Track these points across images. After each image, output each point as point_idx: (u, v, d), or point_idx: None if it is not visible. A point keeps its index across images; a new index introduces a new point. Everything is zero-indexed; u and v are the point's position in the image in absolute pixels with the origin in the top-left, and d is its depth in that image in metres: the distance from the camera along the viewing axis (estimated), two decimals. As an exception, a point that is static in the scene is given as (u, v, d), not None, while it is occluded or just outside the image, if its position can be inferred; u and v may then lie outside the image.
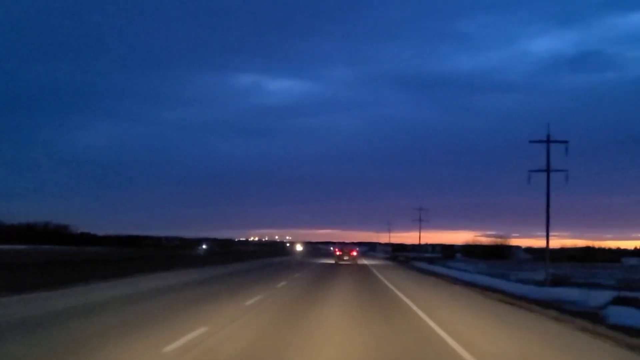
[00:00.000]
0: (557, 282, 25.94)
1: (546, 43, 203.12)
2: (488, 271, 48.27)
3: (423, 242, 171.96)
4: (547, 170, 31.21)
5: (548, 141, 31.46)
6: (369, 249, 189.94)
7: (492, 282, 30.02)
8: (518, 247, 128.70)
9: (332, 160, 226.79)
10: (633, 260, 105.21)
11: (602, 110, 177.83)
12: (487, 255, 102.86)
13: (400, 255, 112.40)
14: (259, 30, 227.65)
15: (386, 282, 32.45)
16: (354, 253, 63.62)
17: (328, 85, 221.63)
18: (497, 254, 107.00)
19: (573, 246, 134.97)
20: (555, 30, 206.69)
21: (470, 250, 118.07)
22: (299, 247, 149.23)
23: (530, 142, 31.80)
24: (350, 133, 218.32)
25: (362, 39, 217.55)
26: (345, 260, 60.00)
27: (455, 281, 33.44)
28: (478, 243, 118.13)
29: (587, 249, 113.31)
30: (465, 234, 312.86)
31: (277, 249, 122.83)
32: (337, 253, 62.93)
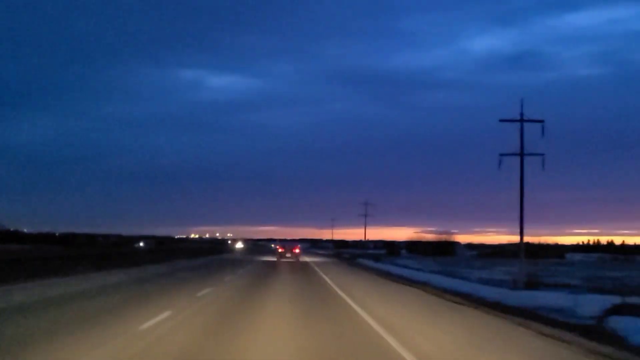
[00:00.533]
0: (531, 284, 22.44)
1: (486, 42, 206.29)
2: (439, 269, 45.23)
3: (364, 238, 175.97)
4: (521, 154, 26.63)
5: (521, 120, 26.77)
6: (311, 245, 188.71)
7: (452, 283, 26.51)
8: (459, 244, 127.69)
9: (275, 156, 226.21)
10: (578, 256, 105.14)
11: (539, 109, 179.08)
12: (432, 252, 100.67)
13: (344, 252, 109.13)
14: (202, 24, 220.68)
15: (332, 284, 28.70)
16: (297, 250, 62.67)
17: (271, 81, 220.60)
18: (442, 250, 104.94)
19: (511, 242, 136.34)
20: (494, 30, 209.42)
21: (414, 247, 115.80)
22: (240, 245, 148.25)
23: (501, 120, 27.25)
24: (294, 129, 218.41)
25: (306, 35, 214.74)
26: (288, 257, 59.06)
27: (408, 282, 29.74)
28: (422, 239, 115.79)
29: (532, 246, 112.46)
30: (406, 231, 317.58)
31: (217, 247, 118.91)
32: (279, 250, 62.00)
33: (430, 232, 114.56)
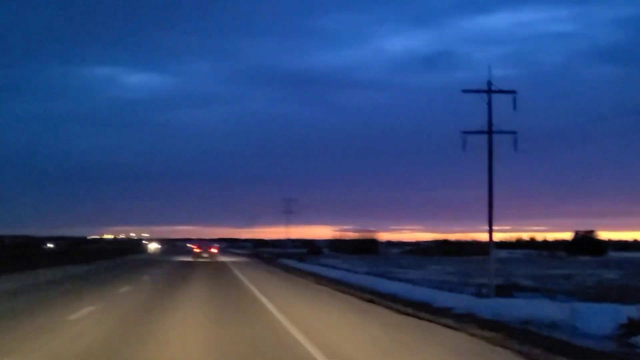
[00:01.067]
0: (502, 288, 18.26)
1: (401, 42, 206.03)
2: (369, 269, 41.19)
3: (284, 237, 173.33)
4: (489, 131, 20.84)
5: (489, 91, 21.17)
6: (229, 245, 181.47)
7: (396, 287, 22.28)
8: (381, 242, 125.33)
9: (192, 155, 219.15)
10: (502, 253, 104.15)
11: (451, 109, 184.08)
12: (354, 250, 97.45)
13: (263, 251, 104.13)
14: (117, 21, 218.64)
15: (252, 287, 24.04)
16: (214, 250, 61.06)
17: (188, 80, 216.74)
18: (365, 248, 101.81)
19: (430, 239, 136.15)
20: (409, 30, 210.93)
21: (336, 246, 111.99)
22: (155, 245, 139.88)
23: (464, 91, 21.70)
24: (211, 128, 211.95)
25: (223, 33, 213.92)
26: (204, 257, 57.48)
27: (342, 286, 25.23)
28: (344, 238, 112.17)
29: (456, 243, 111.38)
30: (324, 229, 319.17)
31: (132, 247, 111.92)
32: (196, 250, 60.37)
33: (352, 230, 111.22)
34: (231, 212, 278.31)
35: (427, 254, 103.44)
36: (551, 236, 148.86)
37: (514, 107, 20.97)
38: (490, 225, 19.48)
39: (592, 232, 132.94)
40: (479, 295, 17.39)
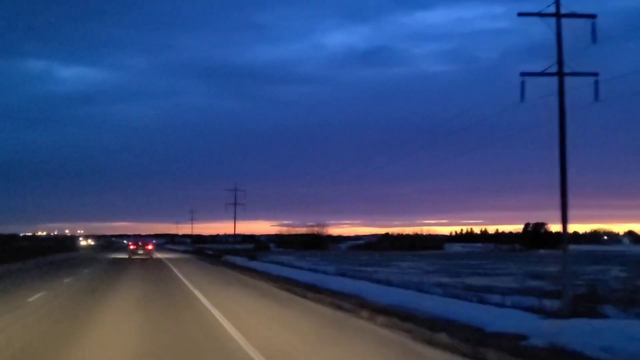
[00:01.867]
0: (580, 305, 12.39)
1: (340, 37, 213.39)
2: (334, 268, 35.67)
3: (223, 232, 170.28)
4: (559, 72, 14.24)
5: (558, 15, 14.96)
6: (167, 241, 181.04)
7: (397, 296, 16.71)
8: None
9: (129, 150, 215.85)
10: (456, 247, 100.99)
11: (390, 103, 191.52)
12: (304, 246, 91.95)
13: (204, 247, 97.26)
14: (50, 14, 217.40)
15: (200, 296, 18.21)
16: (150, 247, 58.75)
17: (124, 74, 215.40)
18: (315, 244, 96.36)
19: (370, 234, 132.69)
20: (348, 25, 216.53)
21: (283, 241, 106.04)
22: (90, 242, 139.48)
23: (520, 14, 16.32)
24: (147, 122, 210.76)
25: (158, 27, 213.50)
26: (140, 254, 55.53)
27: (319, 294, 19.38)
28: (290, 233, 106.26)
29: (411, 237, 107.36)
30: (262, 224, 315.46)
31: (66, 245, 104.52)
32: (131, 247, 57.94)
33: (296, 225, 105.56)
34: (168, 208, 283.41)
35: (375, 248, 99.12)
36: (491, 229, 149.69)
37: (593, 40, 14.53)
38: (565, 212, 13.36)
39: (543, 224, 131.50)
40: (544, 312, 11.92)
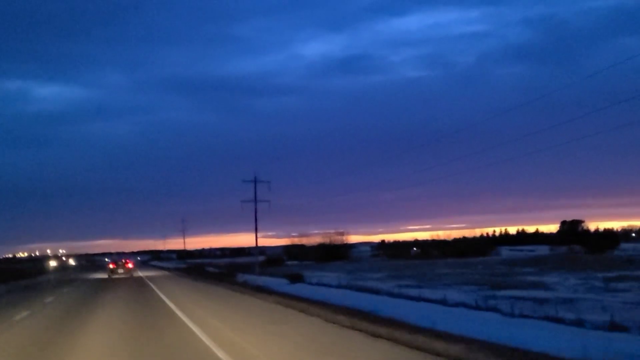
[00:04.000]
0: None
1: (318, 47, 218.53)
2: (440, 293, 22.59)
3: (208, 246, 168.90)
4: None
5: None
6: (152, 257, 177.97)
7: None
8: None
9: (110, 168, 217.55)
10: (504, 251, 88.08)
11: (370, 110, 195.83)
12: (324, 257, 78.76)
13: (196, 263, 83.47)
14: (26, 33, 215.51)
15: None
16: (130, 265, 56.67)
17: (102, 91, 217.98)
18: (338, 254, 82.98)
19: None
20: (326, 35, 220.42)
21: (295, 253, 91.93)
22: (71, 261, 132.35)
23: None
24: (128, 139, 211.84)
25: (136, 43, 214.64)
26: (120, 274, 53.88)
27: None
28: (304, 244, 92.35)
29: (447, 242, 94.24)
30: (246, 237, 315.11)
31: (38, 267, 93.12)
32: (111, 266, 55.84)
33: (318, 234, 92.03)
34: (152, 224, 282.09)
35: (405, 256, 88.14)
36: (530, 229, 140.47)
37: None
38: None
39: (581, 221, 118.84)
40: None
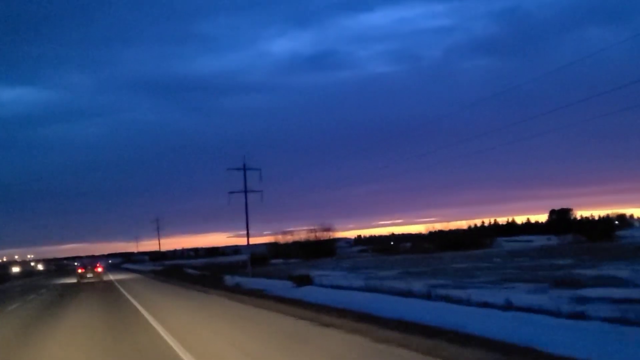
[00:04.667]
0: None
1: (285, 44, 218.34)
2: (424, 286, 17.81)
3: (172, 247, 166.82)
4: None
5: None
6: (123, 260, 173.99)
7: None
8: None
9: (75, 170, 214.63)
10: (501, 242, 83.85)
11: (339, 106, 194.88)
12: (311, 254, 73.72)
13: (172, 264, 77.82)
14: None
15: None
16: (99, 269, 54.54)
17: (66, 93, 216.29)
18: (324, 250, 78.02)
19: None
20: (292, 31, 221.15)
21: (277, 251, 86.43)
22: (39, 266, 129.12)
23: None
24: (92, 141, 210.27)
25: (97, 43, 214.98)
26: (90, 278, 51.86)
27: None
28: (288, 241, 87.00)
29: (447, 234, 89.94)
30: (218, 236, 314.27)
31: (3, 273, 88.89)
32: (79, 271, 54.10)
33: (302, 230, 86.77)
34: (120, 226, 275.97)
35: (395, 251, 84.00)
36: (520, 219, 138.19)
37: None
38: None
39: (569, 210, 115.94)
40: None
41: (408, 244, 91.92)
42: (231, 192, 36.91)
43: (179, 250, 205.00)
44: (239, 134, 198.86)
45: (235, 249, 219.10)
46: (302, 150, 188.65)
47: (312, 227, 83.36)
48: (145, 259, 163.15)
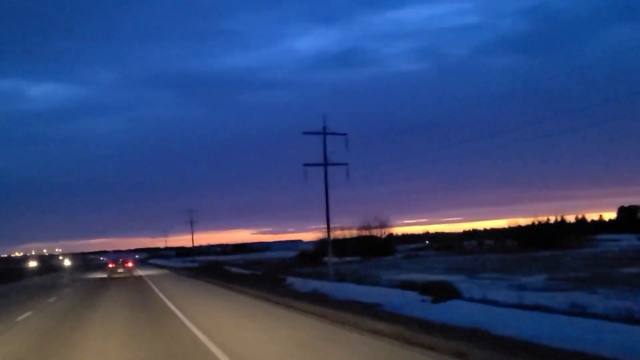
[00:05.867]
0: None
1: (311, 40, 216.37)
2: None
3: (197, 243, 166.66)
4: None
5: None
6: (150, 255, 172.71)
7: None
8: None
9: (102, 165, 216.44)
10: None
11: (364, 104, 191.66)
12: (368, 253, 65.19)
13: (207, 261, 70.18)
14: (16, 32, 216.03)
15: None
16: (130, 264, 53.59)
17: (93, 88, 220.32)
18: (380, 249, 69.30)
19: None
20: (319, 28, 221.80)
21: (325, 248, 77.36)
22: (66, 262, 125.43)
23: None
24: (119, 136, 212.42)
25: (126, 39, 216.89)
26: (120, 273, 50.85)
27: None
28: (342, 237, 77.81)
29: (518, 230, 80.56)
30: (241, 233, 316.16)
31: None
32: (110, 266, 52.85)
33: (265, 232, 77.96)
34: (147, 222, 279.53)
35: (460, 250, 75.41)
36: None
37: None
38: None
39: (638, 207, 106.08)
40: None
41: (473, 242, 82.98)
42: (307, 165, 28.17)
43: (205, 246, 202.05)
44: (263, 129, 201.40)
45: (265, 246, 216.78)
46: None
47: (368, 223, 74.63)
48: (171, 255, 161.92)
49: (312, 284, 23.61)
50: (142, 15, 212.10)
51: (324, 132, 27.58)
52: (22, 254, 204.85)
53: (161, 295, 25.82)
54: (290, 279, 28.03)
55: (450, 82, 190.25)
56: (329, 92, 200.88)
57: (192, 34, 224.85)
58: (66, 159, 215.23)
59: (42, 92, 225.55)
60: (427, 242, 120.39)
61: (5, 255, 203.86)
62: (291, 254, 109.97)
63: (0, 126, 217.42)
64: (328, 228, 29.05)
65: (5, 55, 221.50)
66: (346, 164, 28.77)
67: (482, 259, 50.51)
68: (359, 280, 23.67)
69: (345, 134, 28.08)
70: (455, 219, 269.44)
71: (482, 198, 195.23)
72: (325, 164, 27.98)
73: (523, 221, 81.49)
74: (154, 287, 32.33)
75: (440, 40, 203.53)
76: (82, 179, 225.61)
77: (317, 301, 18.82)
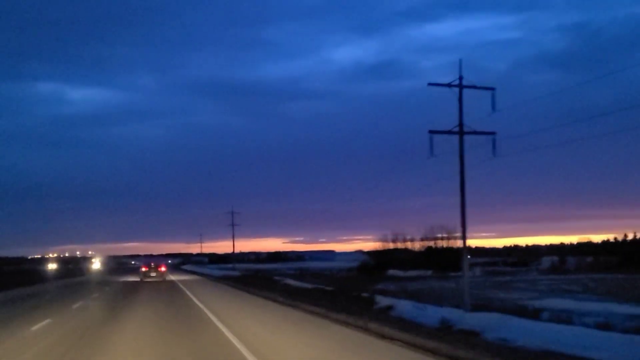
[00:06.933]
0: None
1: (349, 52, 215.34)
2: None
3: (229, 250, 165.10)
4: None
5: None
6: (183, 261, 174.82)
7: None
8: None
9: (139, 170, 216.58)
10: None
11: (400, 116, 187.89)
12: (441, 266, 57.32)
13: (249, 269, 63.44)
14: (59, 36, 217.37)
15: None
16: (163, 268, 54.60)
17: (133, 94, 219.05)
18: (449, 262, 60.95)
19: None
20: (357, 40, 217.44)
21: (385, 261, 68.75)
22: (96, 264, 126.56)
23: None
24: (158, 142, 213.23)
25: (167, 46, 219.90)
26: (153, 277, 52.29)
27: None
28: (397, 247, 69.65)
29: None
30: (273, 241, 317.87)
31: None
32: (143, 269, 54.70)
33: (297, 241, 70.03)
34: (181, 228, 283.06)
35: (558, 270, 66.50)
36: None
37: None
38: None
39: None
40: None
41: (555, 258, 73.78)
42: (432, 132, 19.41)
43: (237, 253, 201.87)
44: (300, 139, 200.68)
45: (298, 255, 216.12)
46: (361, 157, 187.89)
47: (430, 233, 66.10)
48: (204, 261, 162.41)
49: (433, 312, 15.98)
50: (185, 22, 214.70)
51: (460, 85, 18.89)
52: (55, 255, 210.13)
53: (211, 316, 18.78)
54: (380, 299, 20.49)
55: (488, 96, 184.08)
56: (365, 103, 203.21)
57: (234, 42, 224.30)
58: (102, 163, 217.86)
59: (82, 96, 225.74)
60: (497, 257, 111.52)
61: (39, 256, 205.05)
62: (333, 264, 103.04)
63: (41, 129, 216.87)
64: (464, 231, 19.60)
65: (48, 59, 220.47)
66: (494, 132, 19.84)
67: (605, 280, 41.80)
68: (503, 309, 15.93)
69: (493, 89, 18.84)
70: (488, 234, 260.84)
71: (532, 214, 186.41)
72: (461, 132, 18.96)
73: (596, 238, 72.87)
74: (200, 304, 25.17)
75: (478, 55, 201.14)
76: (119, 183, 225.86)
77: (479, 347, 11.39)
